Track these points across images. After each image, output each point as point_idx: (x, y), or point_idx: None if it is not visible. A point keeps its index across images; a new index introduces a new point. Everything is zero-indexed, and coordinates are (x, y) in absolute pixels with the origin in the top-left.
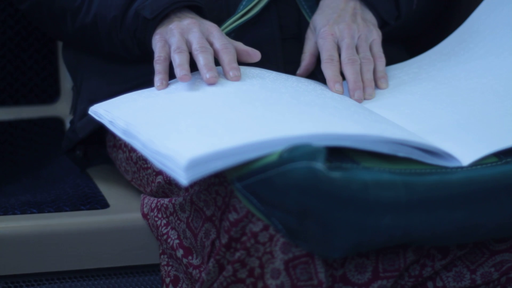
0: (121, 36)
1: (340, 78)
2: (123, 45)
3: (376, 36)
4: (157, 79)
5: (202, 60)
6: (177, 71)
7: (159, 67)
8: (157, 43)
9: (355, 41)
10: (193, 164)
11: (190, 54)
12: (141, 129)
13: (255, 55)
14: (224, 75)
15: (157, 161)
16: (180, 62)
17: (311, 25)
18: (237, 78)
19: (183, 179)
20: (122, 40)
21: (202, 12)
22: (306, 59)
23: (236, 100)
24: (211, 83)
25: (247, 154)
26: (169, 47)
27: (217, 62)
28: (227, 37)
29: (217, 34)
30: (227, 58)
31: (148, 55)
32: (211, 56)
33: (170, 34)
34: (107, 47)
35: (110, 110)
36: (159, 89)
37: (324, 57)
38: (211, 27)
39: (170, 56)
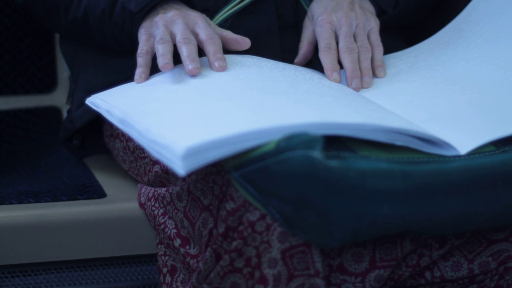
0: (111, 29)
1: (337, 66)
2: (113, 38)
3: (374, 24)
4: (138, 72)
5: (185, 52)
6: (159, 60)
7: (140, 60)
8: (141, 37)
9: (353, 29)
10: (190, 153)
11: (175, 46)
12: (138, 118)
13: (245, 43)
14: (210, 65)
15: (154, 151)
16: (162, 52)
17: (308, 13)
18: (223, 68)
19: (180, 169)
20: (112, 33)
21: (192, 2)
22: (304, 48)
23: (234, 88)
24: (193, 74)
25: (244, 143)
26: (153, 41)
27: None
28: (215, 27)
29: (202, 25)
30: (212, 49)
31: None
32: (195, 47)
33: (155, 26)
34: (99, 40)
35: (107, 100)
36: (138, 83)
37: (321, 46)
38: (196, 18)
39: (153, 48)
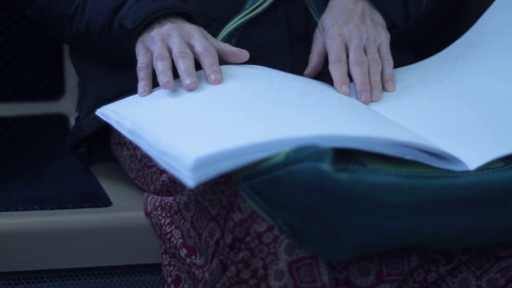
0: (110, 44)
1: (347, 79)
2: (114, 52)
3: (384, 38)
4: (140, 85)
5: (182, 66)
6: (160, 78)
7: (142, 74)
8: (139, 51)
9: (363, 42)
10: (200, 164)
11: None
12: (147, 128)
13: (243, 55)
14: (206, 78)
15: (163, 162)
16: (162, 69)
17: (319, 25)
18: (218, 81)
19: (189, 180)
20: (112, 48)
21: (191, 17)
22: (314, 59)
23: (243, 99)
24: (190, 89)
25: (254, 154)
26: (151, 54)
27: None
28: (212, 39)
29: (198, 37)
30: (208, 61)
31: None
32: (191, 61)
33: (151, 41)
34: (101, 54)
35: (117, 111)
36: (142, 96)
37: (332, 58)
38: (191, 30)
39: (153, 63)
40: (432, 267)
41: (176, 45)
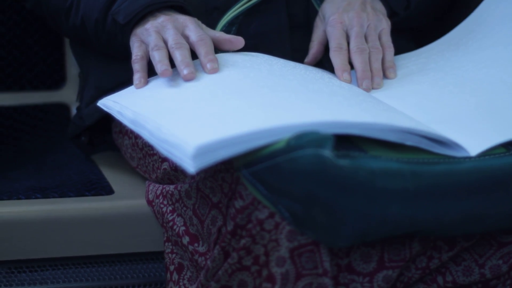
0: (106, 37)
1: (348, 67)
2: (110, 46)
3: (385, 25)
4: (136, 77)
5: (178, 57)
6: (158, 67)
7: (137, 66)
8: (134, 44)
9: (364, 29)
10: (201, 152)
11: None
12: (149, 118)
13: (238, 42)
14: (202, 67)
15: (165, 150)
16: (159, 59)
17: (320, 13)
18: (215, 70)
19: (191, 167)
20: (108, 41)
21: (185, 9)
22: (314, 47)
23: (244, 86)
24: (188, 79)
25: (254, 141)
26: (146, 46)
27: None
28: (206, 28)
29: (192, 27)
30: (203, 50)
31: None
32: (187, 51)
33: (146, 34)
34: (98, 46)
35: (119, 101)
36: (137, 87)
37: (332, 45)
38: (185, 21)
39: (149, 55)
40: (434, 253)
41: (171, 36)
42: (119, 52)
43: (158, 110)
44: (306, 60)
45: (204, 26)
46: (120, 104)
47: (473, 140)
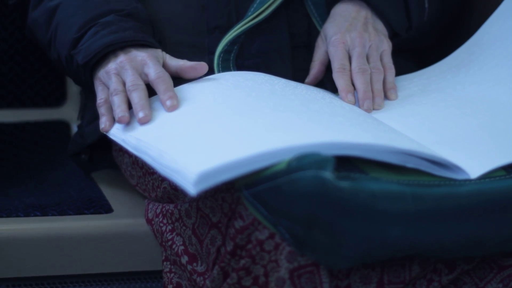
0: (73, 75)
1: (352, 88)
2: (81, 84)
3: (386, 46)
4: (102, 121)
5: (134, 99)
6: (116, 113)
7: (102, 109)
8: (97, 87)
9: (366, 50)
10: (202, 178)
11: None
12: (151, 144)
13: (201, 68)
14: (162, 105)
15: (167, 174)
16: (118, 104)
17: (322, 33)
18: (174, 107)
19: (192, 191)
20: (76, 79)
21: (151, 43)
22: (316, 68)
23: (246, 106)
24: (143, 123)
25: (256, 164)
26: (108, 89)
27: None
28: (170, 58)
29: (151, 64)
30: (162, 88)
31: None
32: (143, 92)
33: (107, 77)
34: (78, 82)
35: (121, 128)
36: (103, 131)
37: (335, 66)
38: (144, 59)
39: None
40: (434, 276)
41: (129, 77)
42: (91, 91)
43: (160, 136)
44: (307, 80)
45: (167, 56)
46: (124, 132)
47: (474, 162)
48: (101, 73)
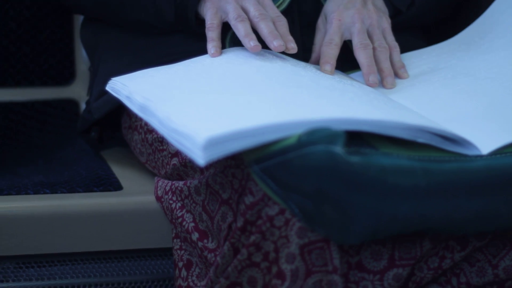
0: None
1: (334, 60)
2: (156, 10)
3: (386, 24)
4: (210, 46)
5: (265, 28)
6: (245, 42)
7: (212, 34)
8: (208, 10)
9: (365, 26)
10: (211, 143)
11: None
12: (159, 106)
13: (289, 49)
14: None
15: (174, 140)
16: (246, 32)
17: (322, 13)
18: (294, 50)
19: (200, 159)
20: (157, 3)
21: None
22: (316, 51)
23: (257, 80)
24: (279, 51)
25: (265, 135)
26: (222, 15)
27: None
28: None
29: (267, 2)
30: (282, 29)
31: (180, 25)
32: (272, 23)
33: (223, 1)
34: (135, 13)
35: (128, 84)
36: (213, 57)
37: (324, 40)
38: None
39: (230, 24)
40: (446, 253)
41: (253, 6)
42: (161, 20)
43: (169, 99)
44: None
45: None
46: (129, 88)
47: (485, 138)
48: None
